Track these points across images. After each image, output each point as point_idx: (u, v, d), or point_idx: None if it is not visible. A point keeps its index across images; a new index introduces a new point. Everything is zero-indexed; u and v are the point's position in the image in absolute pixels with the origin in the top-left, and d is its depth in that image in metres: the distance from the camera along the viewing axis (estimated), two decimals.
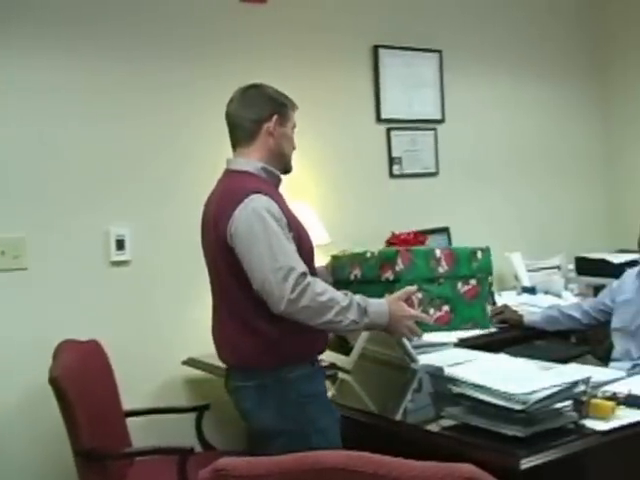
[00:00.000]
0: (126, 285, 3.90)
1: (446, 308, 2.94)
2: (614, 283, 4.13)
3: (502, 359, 3.01)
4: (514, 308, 4.42)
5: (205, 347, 3.70)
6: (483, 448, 2.48)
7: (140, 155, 3.94)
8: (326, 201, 4.39)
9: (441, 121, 4.98)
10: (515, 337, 4.17)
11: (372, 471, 1.84)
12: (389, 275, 2.88)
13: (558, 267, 5.21)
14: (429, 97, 4.93)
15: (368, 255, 3.01)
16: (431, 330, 2.95)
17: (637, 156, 5.74)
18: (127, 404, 3.59)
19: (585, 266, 5.18)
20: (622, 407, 2.69)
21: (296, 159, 2.93)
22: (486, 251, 3.08)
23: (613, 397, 2.73)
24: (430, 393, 3.12)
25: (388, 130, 4.75)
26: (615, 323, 3.92)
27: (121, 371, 3.57)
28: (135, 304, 3.91)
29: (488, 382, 2.56)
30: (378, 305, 2.70)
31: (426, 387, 3.30)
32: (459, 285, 2.97)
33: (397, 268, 2.86)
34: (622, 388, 2.82)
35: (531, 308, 4.53)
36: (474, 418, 2.61)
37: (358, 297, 2.67)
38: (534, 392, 2.45)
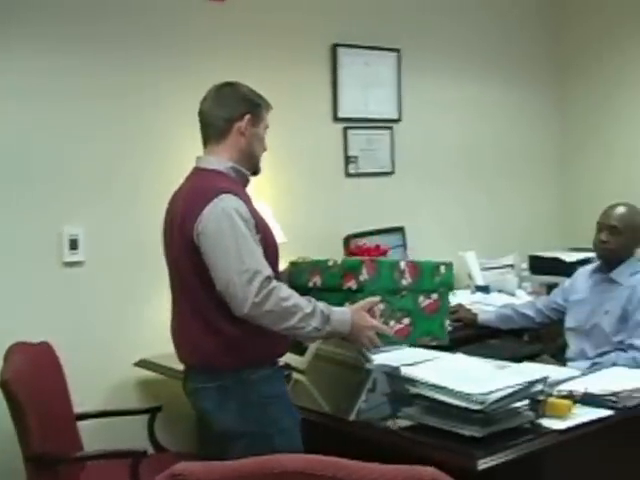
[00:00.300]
0: (79, 286, 3.83)
1: (406, 321, 2.94)
2: (566, 282, 4.16)
3: (458, 359, 3.02)
4: (468, 307, 4.43)
5: (157, 348, 3.71)
6: (440, 448, 2.50)
7: (95, 153, 3.87)
8: (281, 200, 4.36)
9: (398, 120, 4.97)
10: (469, 336, 4.18)
11: (331, 474, 1.82)
12: (352, 284, 2.87)
13: (512, 266, 5.23)
14: (386, 96, 4.91)
15: (330, 263, 3.00)
16: (390, 342, 2.95)
17: (590, 157, 5.79)
18: (78, 407, 3.53)
19: (538, 265, 5.21)
20: (578, 406, 2.72)
21: None
22: (449, 266, 3.09)
23: (570, 396, 2.75)
24: (386, 393, 3.09)
25: (345, 129, 4.73)
26: (569, 323, 3.95)
27: (73, 373, 3.50)
28: (88, 305, 3.85)
29: (446, 382, 2.56)
30: (341, 313, 2.70)
31: (381, 387, 3.26)
32: (421, 299, 2.98)
33: (361, 278, 2.85)
34: (578, 387, 2.84)
35: (485, 307, 4.55)
36: (431, 418, 2.62)
37: (322, 305, 2.66)
38: (492, 392, 2.47)
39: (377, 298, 2.83)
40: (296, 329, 2.61)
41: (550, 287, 4.80)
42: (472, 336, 4.19)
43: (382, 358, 3.53)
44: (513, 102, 5.64)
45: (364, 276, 2.85)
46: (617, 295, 3.77)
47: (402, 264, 2.95)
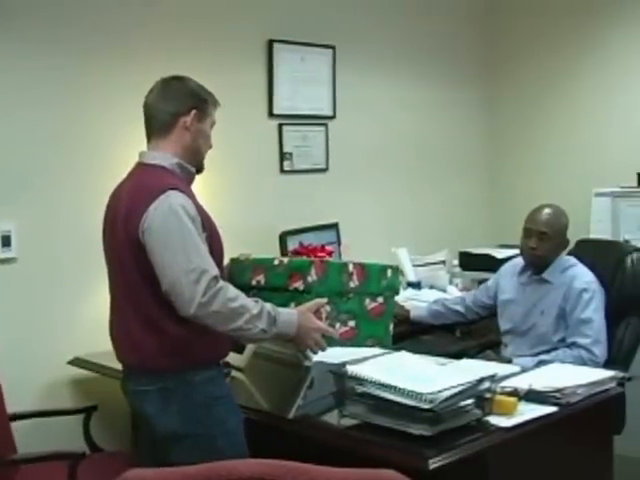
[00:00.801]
0: (12, 283, 3.73)
1: (352, 324, 2.93)
2: (489, 281, 4.20)
3: (402, 356, 3.00)
4: (400, 303, 4.44)
5: (92, 346, 3.66)
6: (389, 448, 2.48)
7: (30, 147, 3.77)
8: (216, 196, 4.28)
9: (332, 117, 4.97)
10: (402, 332, 4.17)
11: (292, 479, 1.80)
12: (299, 285, 2.84)
13: (443, 262, 5.27)
14: (321, 93, 4.90)
15: (276, 262, 2.96)
16: (335, 345, 2.91)
17: (519, 155, 5.88)
18: (11, 407, 3.43)
19: (469, 261, 5.25)
20: (523, 402, 2.75)
21: None
22: (395, 270, 3.08)
23: (514, 393, 2.77)
24: (329, 391, 3.08)
25: (280, 125, 4.71)
26: (505, 325, 3.96)
27: (5, 373, 3.40)
28: (21, 303, 3.75)
29: (394, 381, 2.55)
30: (287, 315, 2.67)
31: (323, 385, 3.28)
32: (367, 301, 2.97)
33: (309, 279, 2.82)
34: (522, 383, 2.86)
35: (417, 302, 4.57)
36: (377, 417, 2.61)
37: (269, 306, 2.63)
38: (442, 390, 2.46)
39: (324, 300, 2.81)
40: (242, 330, 2.57)
41: (481, 283, 4.85)
42: (405, 332, 4.20)
43: (321, 355, 3.54)
44: (445, 101, 5.68)
45: (312, 277, 2.82)
46: (551, 294, 3.79)
47: (350, 266, 2.93)
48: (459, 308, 4.23)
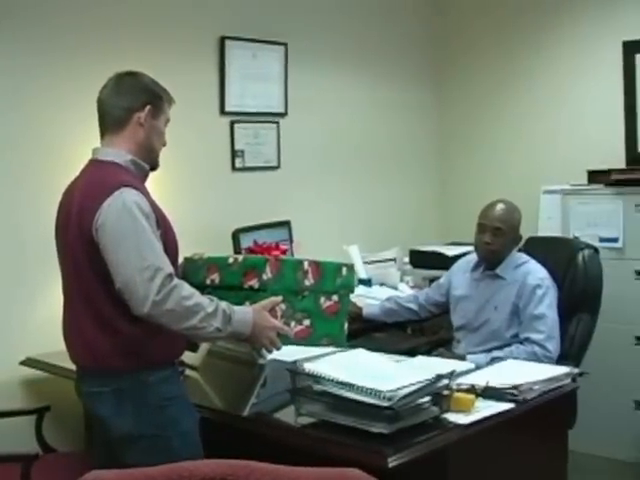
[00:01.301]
0: None
1: (307, 322, 2.90)
2: (441, 279, 4.23)
3: (358, 354, 3.00)
4: (353, 300, 4.43)
5: (44, 346, 3.61)
6: (347, 446, 2.47)
7: None
8: (167, 195, 4.21)
9: (284, 115, 4.95)
10: (354, 330, 4.15)
11: None
12: (254, 283, 2.81)
13: (394, 260, 5.28)
14: (273, 90, 4.87)
15: (230, 261, 2.93)
16: (290, 344, 2.88)
17: (468, 153, 5.92)
18: None
19: (419, 259, 5.27)
20: (480, 399, 2.76)
21: None
22: (350, 268, 3.07)
23: (472, 390, 2.79)
24: (285, 389, 3.07)
25: (232, 123, 4.68)
26: (457, 321, 3.99)
27: None
28: None
29: (352, 379, 2.54)
30: (243, 313, 2.64)
31: (277, 383, 3.27)
32: (322, 300, 2.94)
33: (264, 277, 2.79)
34: (479, 380, 2.88)
35: (368, 300, 4.57)
36: (335, 415, 2.60)
37: (224, 304, 2.59)
38: (401, 388, 2.46)
39: (279, 298, 2.78)
40: (197, 329, 2.53)
41: (432, 280, 4.87)
42: (357, 330, 4.20)
43: (275, 354, 3.53)
44: (395, 100, 5.69)
45: (267, 275, 2.79)
46: (504, 290, 3.82)
47: (305, 264, 2.91)
48: (412, 306, 4.25)
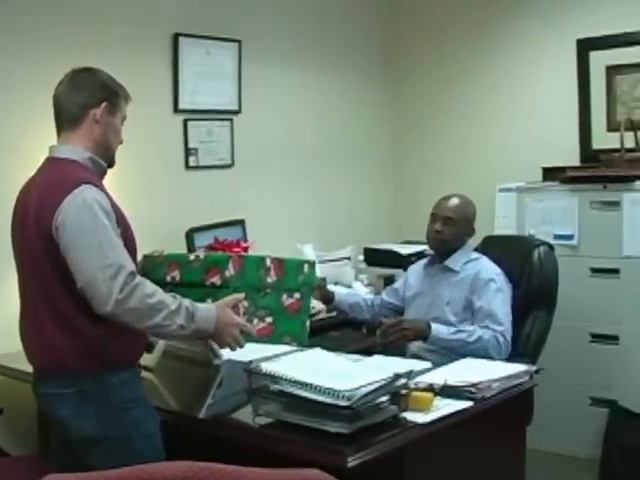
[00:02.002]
0: None
1: (269, 320, 2.86)
2: (396, 283, 4.20)
3: (315, 353, 2.98)
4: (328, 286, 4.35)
5: None
6: (306, 446, 2.46)
7: None
8: (120, 193, 4.15)
9: (238, 112, 4.91)
10: (310, 330, 4.15)
11: None
12: (216, 280, 2.77)
13: (348, 258, 5.27)
14: (227, 87, 4.83)
15: (192, 257, 2.89)
16: (252, 341, 2.82)
17: (423, 152, 5.93)
18: None
19: (374, 257, 5.26)
20: (438, 398, 2.75)
21: None
22: (312, 265, 3.03)
23: (430, 388, 2.78)
24: (242, 390, 3.04)
25: (185, 121, 4.63)
26: (410, 316, 3.94)
27: None
28: None
29: (311, 378, 2.52)
30: (206, 311, 2.60)
31: (234, 384, 3.25)
32: (284, 297, 2.90)
33: (227, 274, 2.76)
34: (437, 379, 2.87)
35: (338, 289, 4.52)
36: (293, 415, 2.58)
37: (187, 301, 2.56)
38: (359, 387, 2.44)
39: (242, 295, 2.74)
40: (161, 327, 2.50)
41: (387, 278, 4.89)
42: (312, 330, 4.16)
43: (231, 354, 3.50)
44: (350, 98, 5.69)
45: (230, 272, 2.76)
46: (457, 285, 3.80)
47: (268, 261, 2.87)
48: (373, 307, 4.19)
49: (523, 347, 3.86)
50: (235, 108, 4.89)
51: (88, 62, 2.84)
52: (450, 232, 3.84)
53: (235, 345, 2.72)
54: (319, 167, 5.47)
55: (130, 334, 2.54)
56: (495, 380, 2.87)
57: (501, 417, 2.91)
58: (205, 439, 2.75)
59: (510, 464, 3.05)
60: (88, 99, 2.66)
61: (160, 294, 2.51)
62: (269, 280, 2.85)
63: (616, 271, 4.67)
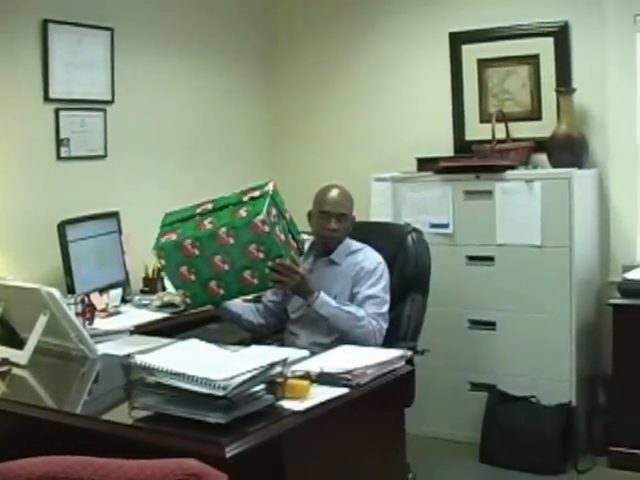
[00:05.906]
0: None
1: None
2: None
3: (192, 344, 2.94)
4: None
5: None
6: (184, 438, 2.42)
7: None
8: None
9: (111, 102, 4.81)
10: (188, 322, 4.15)
11: (88, 476, 1.71)
12: (255, 194, 3.66)
13: None
14: (99, 76, 4.73)
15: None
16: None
17: (299, 142, 5.98)
18: None
19: None
20: (315, 385, 2.75)
21: None
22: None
23: (306, 376, 2.77)
24: (119, 384, 2.98)
25: (56, 110, 4.51)
26: (294, 314, 3.85)
27: None
28: None
29: (185, 369, 2.49)
30: None
31: (110, 378, 3.20)
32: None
33: (266, 188, 3.67)
34: (313, 367, 2.87)
35: None
36: (171, 407, 2.53)
37: None
38: (234, 377, 2.43)
39: None
40: None
41: None
42: (191, 322, 4.15)
43: (104, 348, 3.46)
44: (226, 88, 5.67)
45: (269, 188, 3.66)
46: (341, 278, 3.80)
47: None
48: (261, 320, 4.02)
49: (405, 329, 3.92)
50: (108, 98, 4.80)
51: None
52: (344, 227, 3.85)
53: None
54: (196, 157, 5.43)
55: None
56: (370, 366, 2.88)
57: (378, 402, 2.93)
58: (82, 435, 2.68)
59: (390, 448, 3.07)
60: None
61: None
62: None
63: (491, 259, 4.78)
